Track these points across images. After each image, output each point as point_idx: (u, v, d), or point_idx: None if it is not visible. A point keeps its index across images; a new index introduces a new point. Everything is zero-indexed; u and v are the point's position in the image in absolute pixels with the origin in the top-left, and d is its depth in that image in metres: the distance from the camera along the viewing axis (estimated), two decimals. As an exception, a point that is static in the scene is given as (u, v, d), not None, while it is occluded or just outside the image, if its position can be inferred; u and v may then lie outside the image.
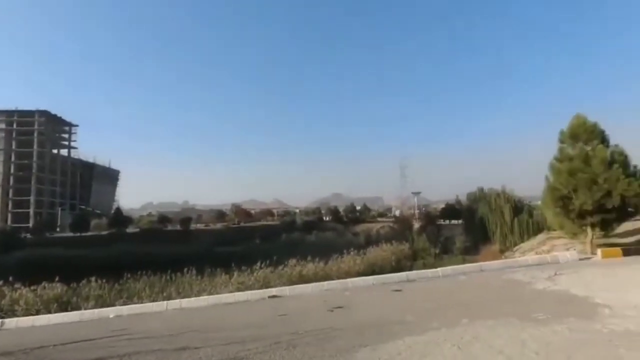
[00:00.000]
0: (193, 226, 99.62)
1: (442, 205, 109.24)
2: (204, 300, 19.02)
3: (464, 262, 36.41)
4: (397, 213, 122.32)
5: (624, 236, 38.27)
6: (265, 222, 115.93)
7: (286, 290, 19.65)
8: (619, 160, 26.40)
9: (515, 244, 51.44)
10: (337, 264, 31.59)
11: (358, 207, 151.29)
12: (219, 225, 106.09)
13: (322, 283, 20.94)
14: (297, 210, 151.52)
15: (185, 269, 27.52)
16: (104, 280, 24.77)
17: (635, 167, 27.33)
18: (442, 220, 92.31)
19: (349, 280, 21.38)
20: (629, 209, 27.07)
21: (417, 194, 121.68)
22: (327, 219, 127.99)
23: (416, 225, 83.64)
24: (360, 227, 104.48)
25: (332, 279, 23.94)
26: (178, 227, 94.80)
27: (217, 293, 21.62)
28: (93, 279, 24.70)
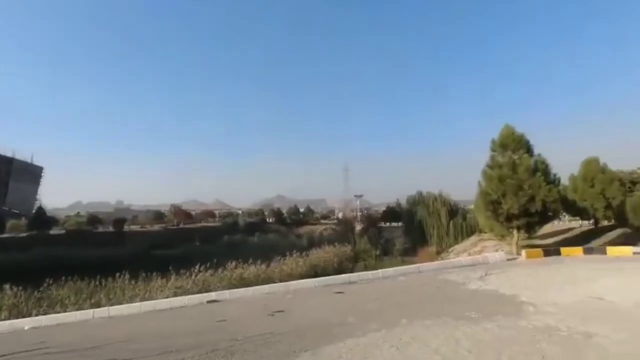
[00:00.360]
0: (128, 227, 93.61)
1: (384, 208, 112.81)
2: (137, 306, 17.86)
3: (403, 263, 37.68)
4: (340, 215, 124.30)
5: (544, 238, 41.75)
6: (206, 224, 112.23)
7: (226, 294, 19.05)
8: (541, 168, 28.71)
9: (450, 246, 54.19)
10: (280, 266, 31.32)
11: (302, 209, 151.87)
12: (156, 227, 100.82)
13: (263, 286, 20.59)
14: (240, 212, 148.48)
15: (118, 274, 25.76)
16: (20, 288, 22.26)
17: (554, 175, 29.89)
18: (383, 222, 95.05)
19: (291, 282, 21.22)
20: (549, 213, 29.51)
21: (359, 196, 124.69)
22: (271, 220, 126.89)
23: (358, 227, 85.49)
24: (304, 229, 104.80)
25: (275, 282, 23.66)
26: (110, 229, 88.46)
27: (152, 298, 20.45)
28: (7, 286, 22.36)
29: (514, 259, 26.25)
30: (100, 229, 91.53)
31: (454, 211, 61.76)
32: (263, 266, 29.66)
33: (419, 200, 66.53)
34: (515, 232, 28.92)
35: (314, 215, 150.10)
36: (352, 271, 31.31)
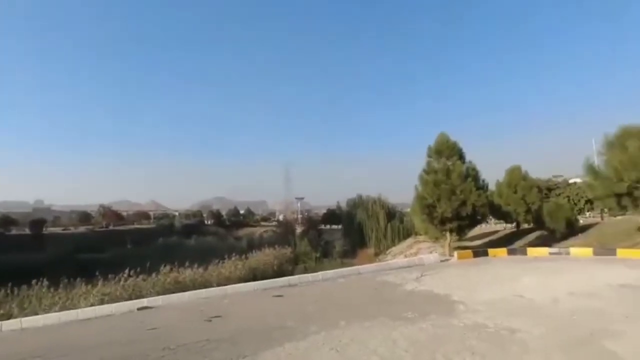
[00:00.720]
0: (47, 229, 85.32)
1: (324, 211, 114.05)
2: (55, 317, 16.22)
3: (342, 265, 38.19)
4: (281, 217, 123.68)
5: (473, 240, 44.49)
6: (139, 225, 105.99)
7: (159, 300, 17.99)
8: (472, 174, 30.58)
9: (388, 248, 55.99)
10: (218, 269, 30.32)
11: (242, 211, 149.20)
12: (82, 229, 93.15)
13: (200, 291, 19.74)
14: (177, 213, 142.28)
15: (35, 280, 23.34)
16: None
17: (483, 181, 31.98)
18: (323, 225, 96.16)
19: (229, 286, 20.56)
20: (478, 217, 31.49)
21: (300, 199, 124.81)
22: (209, 222, 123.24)
23: (299, 229, 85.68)
24: (244, 231, 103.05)
25: (212, 286, 22.82)
26: (26, 231, 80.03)
27: (75, 307, 18.76)
28: None
29: (447, 260, 27.60)
30: (14, 231, 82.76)
31: (392, 214, 63.98)
32: (200, 270, 28.54)
33: (358, 203, 68.21)
34: (448, 234, 30.46)
35: (254, 217, 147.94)
36: (292, 274, 31.15)
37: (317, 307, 14.58)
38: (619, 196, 25.78)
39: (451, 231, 30.31)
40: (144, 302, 17.54)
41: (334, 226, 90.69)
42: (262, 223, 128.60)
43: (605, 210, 37.58)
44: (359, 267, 25.73)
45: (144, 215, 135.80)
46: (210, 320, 13.19)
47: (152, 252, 51.20)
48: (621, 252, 24.19)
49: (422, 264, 26.09)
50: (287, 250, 48.95)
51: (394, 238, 58.66)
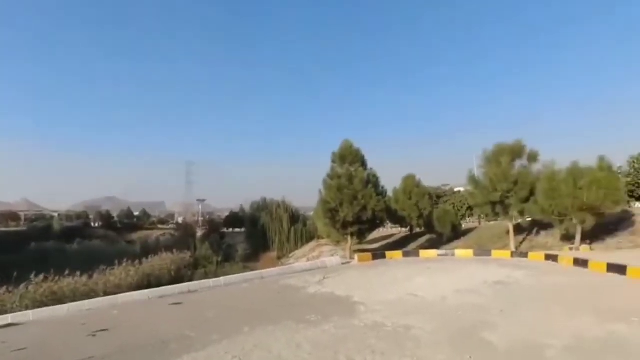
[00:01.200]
0: None
1: (227, 214, 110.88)
2: None
3: (245, 269, 37.37)
4: (180, 220, 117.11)
5: (372, 243, 46.95)
6: (5, 228, 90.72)
7: (29, 315, 15.51)
8: (373, 181, 32.31)
9: (291, 251, 56.39)
10: (106, 277, 27.29)
11: (136, 213, 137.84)
12: None
13: (82, 302, 17.50)
14: (56, 214, 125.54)
15: None
16: None
17: (382, 187, 33.99)
18: (226, 228, 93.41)
19: (119, 295, 18.62)
20: (377, 221, 33.31)
21: (202, 201, 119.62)
22: (97, 225, 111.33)
23: (200, 232, 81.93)
24: (138, 235, 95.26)
25: (99, 296, 20.48)
26: None
27: None
28: None
29: (348, 262, 28.60)
30: None
31: (295, 218, 64.63)
32: (84, 278, 25.39)
33: (262, 207, 67.65)
34: (349, 237, 31.66)
35: (151, 219, 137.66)
36: (191, 279, 29.54)
37: (219, 314, 13.93)
38: (493, 204, 29.40)
39: (352, 235, 31.56)
40: (8, 318, 14.98)
41: (237, 229, 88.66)
42: (160, 226, 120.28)
43: (483, 216, 42.55)
44: (262, 271, 25.37)
45: (12, 216, 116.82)
46: (95, 335, 11.75)
47: (22, 260, 44.41)
48: (495, 253, 27.58)
49: (324, 266, 26.66)
50: (187, 255, 46.24)
51: (297, 241, 59.31)
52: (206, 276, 32.53)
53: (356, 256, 29.34)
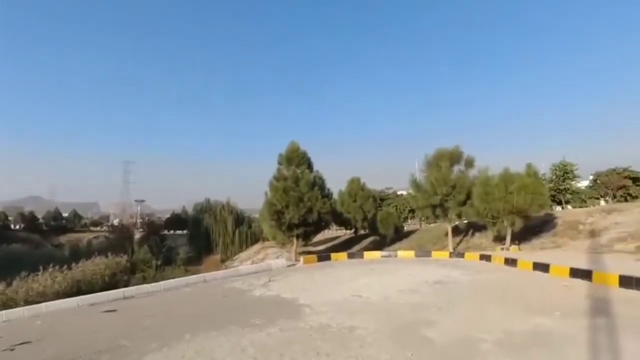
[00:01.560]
0: None
1: (168, 215, 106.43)
2: None
3: (187, 273, 36.01)
4: (116, 222, 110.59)
5: (317, 245, 47.29)
6: None
7: None
8: (319, 183, 32.54)
9: (236, 254, 55.23)
10: (28, 284, 24.90)
11: (65, 214, 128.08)
12: None
13: None
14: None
15: None
16: None
17: (328, 189, 34.35)
18: (167, 230, 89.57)
19: (43, 304, 17.03)
20: (323, 223, 33.60)
21: (140, 201, 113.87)
22: (18, 227, 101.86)
23: (138, 235, 77.73)
24: (67, 238, 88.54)
25: (19, 305, 18.64)
26: None
27: None
28: None
29: (294, 265, 28.53)
30: None
31: (240, 219, 63.44)
32: (0, 286, 23.06)
33: (206, 208, 65.56)
34: (295, 240, 31.61)
35: (82, 221, 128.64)
36: (128, 285, 27.91)
37: (159, 320, 13.26)
38: (434, 207, 30.77)
39: (298, 237, 31.56)
40: None
41: (179, 232, 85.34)
42: (92, 228, 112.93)
43: (424, 218, 44.45)
44: (206, 274, 24.57)
45: None
46: (14, 349, 10.68)
47: None
48: (435, 254, 28.88)
49: (269, 269, 26.41)
50: (123, 259, 43.62)
51: (242, 244, 58.25)
52: (144, 281, 30.86)
53: (302, 258, 29.38)
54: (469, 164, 30.53)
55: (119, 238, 71.70)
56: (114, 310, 15.41)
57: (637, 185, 50.68)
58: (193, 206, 73.48)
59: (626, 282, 14.33)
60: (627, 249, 21.30)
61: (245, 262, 41.79)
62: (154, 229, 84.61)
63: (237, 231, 59.18)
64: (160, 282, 21.33)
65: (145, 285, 21.05)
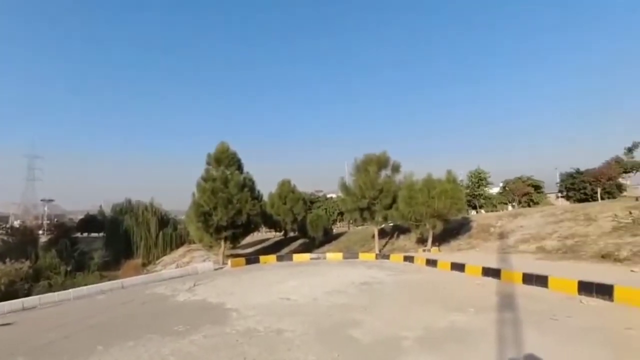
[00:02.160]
0: None
1: (82, 216, 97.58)
2: None
3: (102, 279, 33.36)
4: (17, 223, 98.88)
5: (246, 247, 46.38)
6: None
7: None
8: (249, 185, 31.97)
9: (159, 257, 52.26)
10: None
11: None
12: None
13: None
14: None
15: None
16: None
17: (258, 191, 33.88)
18: (80, 232, 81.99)
19: None
20: (252, 225, 33.03)
21: (48, 201, 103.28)
22: None
23: (44, 238, 70.18)
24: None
25: None
26: None
27: None
28: None
29: (221, 268, 27.69)
30: None
31: (165, 221, 60.16)
32: None
33: (126, 209, 61.15)
34: (223, 242, 30.68)
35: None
36: (29, 294, 25.12)
37: (65, 333, 12.01)
38: (361, 210, 31.67)
39: (226, 239, 30.69)
40: None
41: (94, 234, 78.73)
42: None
43: (352, 221, 45.63)
44: (124, 279, 22.88)
45: None
46: None
47: None
48: (362, 256, 29.72)
49: (195, 273, 25.35)
50: (24, 265, 39.08)
51: (166, 247, 55.31)
52: (50, 289, 28.00)
53: (229, 261, 28.61)
54: (395, 169, 31.91)
55: (20, 242, 64.21)
56: (10, 324, 13.70)
57: (538, 192, 56.76)
58: (111, 206, 68.07)
59: (528, 279, 15.86)
60: (529, 250, 23.64)
61: (170, 266, 39.72)
62: (64, 232, 76.90)
63: (161, 233, 56.06)
64: (70, 290, 19.45)
65: (51, 294, 19.05)
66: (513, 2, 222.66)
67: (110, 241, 58.82)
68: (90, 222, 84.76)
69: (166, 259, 49.71)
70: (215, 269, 26.96)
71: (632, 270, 15.53)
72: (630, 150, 38.01)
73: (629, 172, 45.09)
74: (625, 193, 49.07)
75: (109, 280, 25.75)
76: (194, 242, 43.56)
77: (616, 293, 12.27)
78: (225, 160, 31.34)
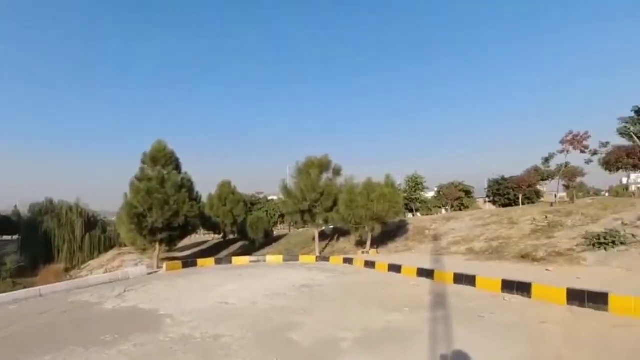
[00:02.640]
0: None
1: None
2: None
3: (15, 286, 30.36)
4: None
5: (183, 250, 44.58)
6: None
7: None
8: (187, 185, 30.82)
9: (85, 262, 48.57)
10: None
11: None
12: None
13: None
14: None
15: None
16: None
17: (197, 192, 32.75)
18: (-10, 235, 73.91)
19: None
20: (190, 227, 31.85)
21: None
22: None
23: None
24: None
25: None
26: None
27: None
28: None
29: (155, 272, 26.33)
30: None
31: (92, 223, 56.10)
32: None
33: (47, 209, 56.11)
34: (157, 245, 29.25)
35: None
36: None
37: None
38: (302, 212, 31.79)
39: (161, 242, 29.32)
40: None
41: (7, 237, 71.45)
42: None
43: (293, 223, 45.61)
44: (42, 287, 20.89)
45: None
46: None
47: None
48: (302, 258, 29.79)
49: (126, 278, 23.83)
50: None
51: (93, 250, 51.60)
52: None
53: (165, 265, 27.31)
54: (337, 172, 32.46)
55: None
56: None
57: (468, 197, 60.75)
58: (29, 207, 61.95)
59: (459, 279, 16.86)
60: (460, 251, 25.10)
61: (97, 271, 37.08)
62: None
63: (87, 236, 52.15)
64: (-24, 300, 17.38)
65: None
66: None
67: (27, 245, 53.51)
68: (2, 224, 76.57)
69: (93, 263, 46.41)
70: (149, 273, 25.57)
71: (547, 269, 17.05)
72: (546, 160, 42.04)
73: (546, 179, 49.66)
74: (542, 199, 54.20)
75: (24, 287, 23.38)
76: (126, 245, 41.07)
77: (534, 290, 13.43)
78: (162, 159, 30.07)
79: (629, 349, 8.25)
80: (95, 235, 53.02)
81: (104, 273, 30.82)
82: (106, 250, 51.78)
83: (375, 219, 28.21)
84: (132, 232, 28.51)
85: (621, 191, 63.50)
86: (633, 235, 17.93)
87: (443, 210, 60.22)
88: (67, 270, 45.82)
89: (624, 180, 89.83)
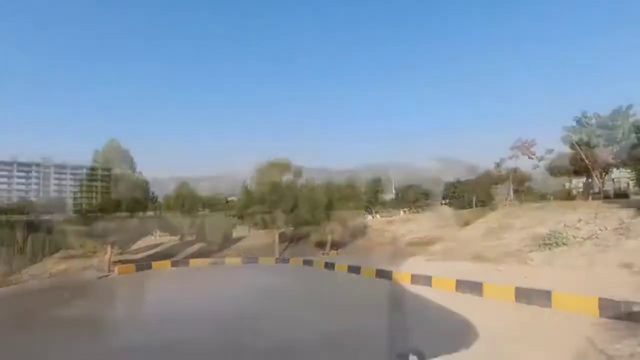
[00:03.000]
0: None
1: None
2: None
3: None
4: None
5: (137, 252, 42.63)
6: None
7: None
8: (142, 185, 29.68)
9: (26, 266, 45.24)
10: None
11: None
12: None
13: None
14: None
15: None
16: None
17: (153, 193, 31.54)
18: None
19: None
20: (145, 229, 30.55)
21: None
22: None
23: None
24: None
25: None
26: None
27: None
28: None
29: (106, 276, 25.09)
30: None
31: (35, 224, 52.36)
32: None
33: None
34: (109, 248, 27.86)
35: None
36: None
37: None
38: (262, 214, 31.44)
39: (113, 244, 27.95)
40: None
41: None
42: None
43: (252, 225, 44.87)
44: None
45: None
46: None
47: None
48: (262, 260, 29.41)
49: (73, 282, 22.45)
50: None
51: (36, 254, 48.14)
52: None
53: (117, 268, 26.12)
54: (297, 174, 32.34)
55: None
56: None
57: (427, 200, 62.34)
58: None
59: (416, 279, 17.53)
60: (418, 252, 25.74)
61: (42, 276, 34.64)
62: None
63: (30, 238, 48.59)
64: None
65: None
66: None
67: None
68: None
69: (35, 269, 43.32)
70: (99, 277, 24.27)
71: (498, 270, 17.84)
72: (498, 165, 44.10)
73: (497, 184, 51.96)
74: (494, 202, 56.55)
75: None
76: (74, 248, 38.69)
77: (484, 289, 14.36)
78: (116, 159, 28.72)
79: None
80: (39, 238, 49.50)
81: (48, 278, 28.84)
82: (52, 253, 48.47)
83: (336, 221, 28.33)
84: (81, 234, 27.03)
85: (564, 195, 67.72)
86: (574, 237, 19.15)
87: (402, 212, 61.39)
88: (5, 275, 42.42)
89: (566, 185, 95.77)
